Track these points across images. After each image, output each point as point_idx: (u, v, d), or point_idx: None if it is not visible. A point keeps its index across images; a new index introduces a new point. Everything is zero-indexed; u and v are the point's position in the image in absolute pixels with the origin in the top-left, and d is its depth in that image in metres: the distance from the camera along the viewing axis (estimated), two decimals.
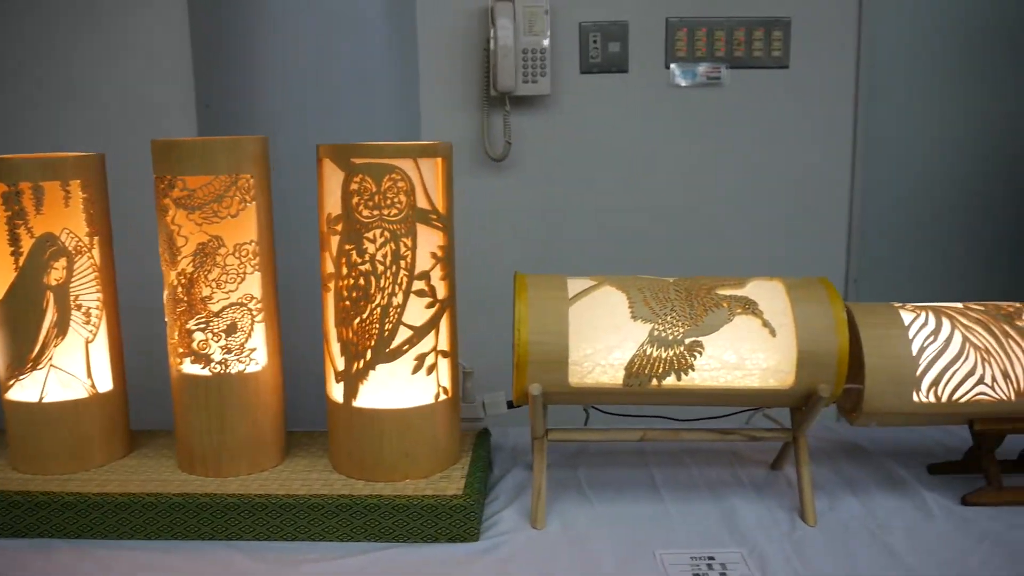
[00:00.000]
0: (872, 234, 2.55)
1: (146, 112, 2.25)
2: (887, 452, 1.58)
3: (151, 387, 1.64)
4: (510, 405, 1.53)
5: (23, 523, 1.33)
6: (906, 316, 1.37)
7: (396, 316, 1.34)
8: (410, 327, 1.35)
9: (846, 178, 2.44)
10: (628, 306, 1.34)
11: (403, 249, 1.33)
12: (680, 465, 1.54)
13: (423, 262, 1.35)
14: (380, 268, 1.32)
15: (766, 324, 1.32)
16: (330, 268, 1.36)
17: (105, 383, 1.45)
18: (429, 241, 1.35)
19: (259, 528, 1.31)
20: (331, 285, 1.36)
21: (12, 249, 1.37)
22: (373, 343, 1.34)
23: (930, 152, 2.61)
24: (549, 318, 1.32)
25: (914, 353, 1.34)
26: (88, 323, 1.42)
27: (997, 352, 1.34)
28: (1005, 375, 1.34)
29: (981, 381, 1.34)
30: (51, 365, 1.40)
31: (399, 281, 1.33)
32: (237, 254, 1.36)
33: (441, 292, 1.37)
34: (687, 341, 1.31)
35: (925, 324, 1.36)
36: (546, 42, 2.30)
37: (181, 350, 1.38)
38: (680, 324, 1.32)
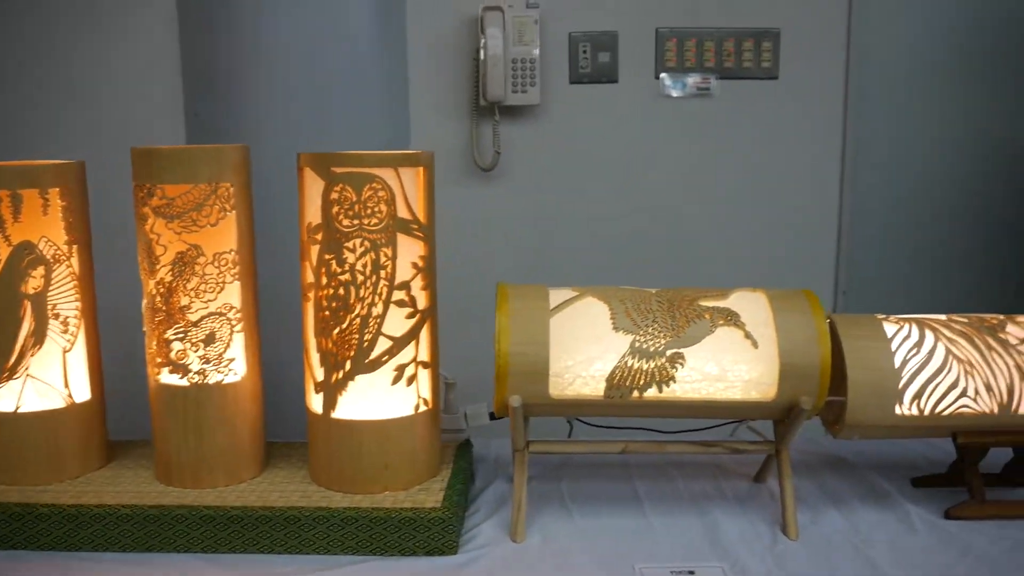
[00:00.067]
0: (861, 246, 2.54)
1: (137, 117, 2.25)
2: (871, 465, 1.57)
3: (132, 396, 1.63)
4: (492, 417, 1.52)
5: None
6: (889, 328, 1.36)
7: (376, 326, 1.33)
8: (390, 338, 1.34)
9: (835, 190, 2.44)
10: (610, 317, 1.33)
11: (383, 259, 1.32)
12: (664, 478, 1.53)
13: (403, 272, 1.34)
14: (360, 278, 1.31)
15: (748, 336, 1.31)
16: (310, 278, 1.35)
17: (83, 393, 1.44)
18: (410, 251, 1.34)
19: (236, 541, 1.30)
20: (311, 295, 1.35)
21: None
22: (352, 353, 1.33)
23: (920, 162, 2.62)
24: (530, 329, 1.31)
25: (897, 365, 1.33)
26: (66, 332, 1.41)
27: (980, 365, 1.33)
28: (988, 388, 1.33)
29: (964, 394, 1.33)
30: (28, 375, 1.39)
31: (379, 291, 1.32)
32: (216, 263, 1.35)
33: (422, 302, 1.36)
34: (668, 352, 1.30)
35: (908, 336, 1.35)
36: (536, 52, 2.30)
37: (159, 360, 1.37)
38: (662, 335, 1.31)
